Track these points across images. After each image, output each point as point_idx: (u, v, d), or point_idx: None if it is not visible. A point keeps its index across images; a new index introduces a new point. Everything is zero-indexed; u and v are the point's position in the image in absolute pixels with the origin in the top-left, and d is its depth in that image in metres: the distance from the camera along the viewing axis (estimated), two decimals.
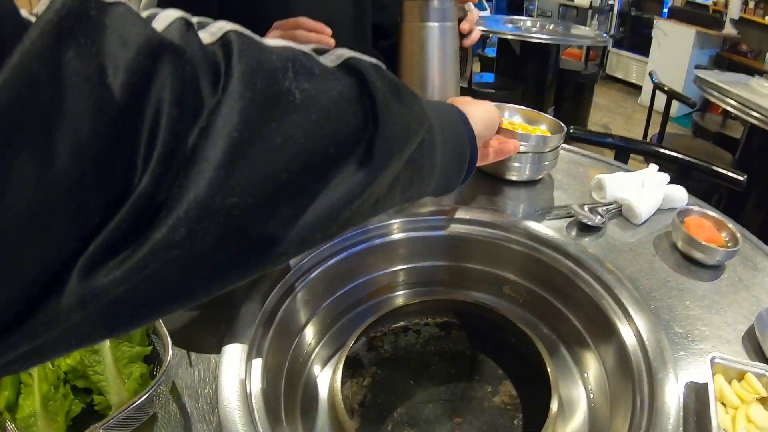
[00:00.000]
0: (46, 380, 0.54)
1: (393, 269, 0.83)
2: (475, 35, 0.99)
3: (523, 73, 3.38)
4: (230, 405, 0.52)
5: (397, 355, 0.79)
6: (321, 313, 0.76)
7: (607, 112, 4.58)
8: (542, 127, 0.95)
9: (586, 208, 0.80)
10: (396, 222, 0.80)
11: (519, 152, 0.83)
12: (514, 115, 0.98)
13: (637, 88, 5.09)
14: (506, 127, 0.87)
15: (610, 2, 5.39)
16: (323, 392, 0.70)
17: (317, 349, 0.75)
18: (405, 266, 0.84)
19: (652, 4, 4.99)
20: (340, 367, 0.67)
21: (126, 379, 0.55)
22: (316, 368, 0.73)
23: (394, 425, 0.70)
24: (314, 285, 0.73)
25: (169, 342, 0.55)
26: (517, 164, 0.88)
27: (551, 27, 3.59)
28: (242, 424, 0.50)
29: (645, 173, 0.90)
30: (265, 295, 0.64)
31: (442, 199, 0.82)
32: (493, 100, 0.89)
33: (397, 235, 0.81)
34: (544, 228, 0.78)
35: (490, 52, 3.99)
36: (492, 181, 0.91)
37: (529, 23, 3.69)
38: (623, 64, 5.33)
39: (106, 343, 0.57)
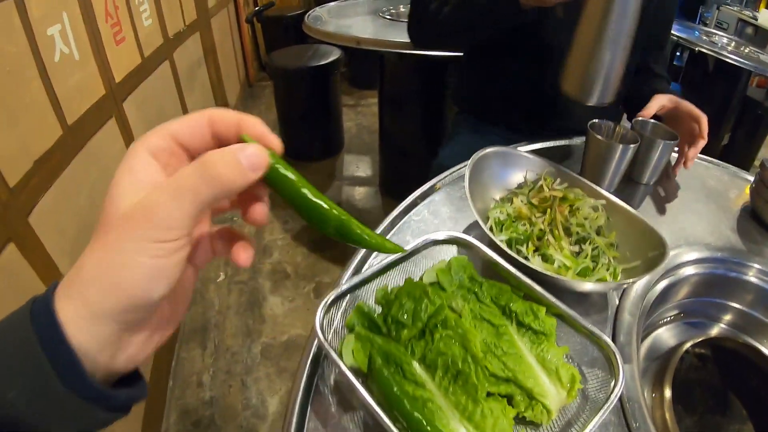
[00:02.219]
0: (465, 392, 0.48)
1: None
2: (689, 164, 1.03)
3: (710, 93, 3.27)
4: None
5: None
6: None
7: None
8: None
9: None
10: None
11: None
12: None
13: None
14: None
15: None
16: None
17: None
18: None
19: None
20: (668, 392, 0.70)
21: (562, 382, 0.52)
22: None
23: None
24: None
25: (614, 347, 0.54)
26: None
27: (746, 50, 3.44)
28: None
29: None
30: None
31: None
32: None
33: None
34: None
35: (677, 60, 3.83)
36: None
37: (725, 40, 3.55)
38: None
39: (525, 345, 0.54)
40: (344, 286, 0.59)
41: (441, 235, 0.67)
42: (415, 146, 2.40)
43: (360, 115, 3.57)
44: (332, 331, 0.58)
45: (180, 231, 0.30)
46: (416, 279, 0.62)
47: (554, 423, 0.52)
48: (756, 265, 0.86)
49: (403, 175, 2.61)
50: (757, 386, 0.81)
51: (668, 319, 0.90)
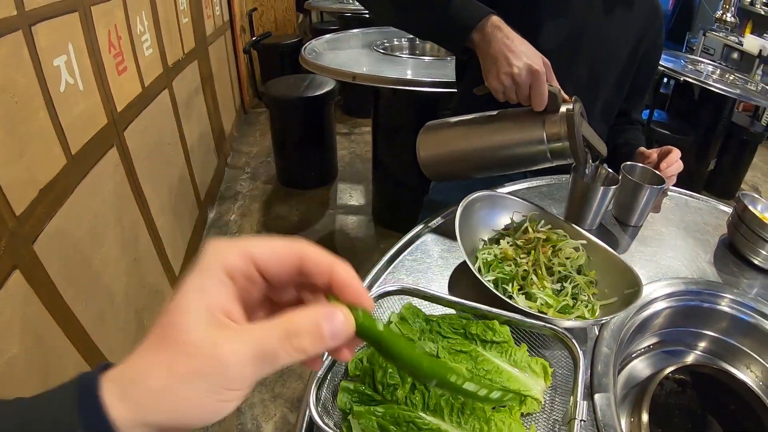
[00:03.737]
0: (475, 417, 0.54)
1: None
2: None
3: (696, 120, 3.35)
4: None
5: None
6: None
7: (758, 173, 4.40)
8: None
9: None
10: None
11: None
12: (766, 211, 1.07)
13: None
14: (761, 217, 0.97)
15: None
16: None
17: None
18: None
19: None
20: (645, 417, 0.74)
21: (536, 373, 0.61)
22: None
23: None
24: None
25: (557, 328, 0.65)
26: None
27: (730, 78, 3.52)
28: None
29: None
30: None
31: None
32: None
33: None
34: None
35: (663, 88, 3.93)
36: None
37: (710, 68, 3.64)
38: None
39: (497, 361, 0.61)
40: (320, 372, 0.60)
41: (389, 287, 0.70)
42: (408, 177, 2.45)
43: (353, 143, 3.63)
44: (321, 408, 0.58)
45: (248, 385, 0.31)
46: None
47: (544, 406, 0.61)
48: (728, 295, 0.90)
49: (396, 205, 2.67)
50: (735, 410, 0.85)
51: (647, 347, 0.94)
